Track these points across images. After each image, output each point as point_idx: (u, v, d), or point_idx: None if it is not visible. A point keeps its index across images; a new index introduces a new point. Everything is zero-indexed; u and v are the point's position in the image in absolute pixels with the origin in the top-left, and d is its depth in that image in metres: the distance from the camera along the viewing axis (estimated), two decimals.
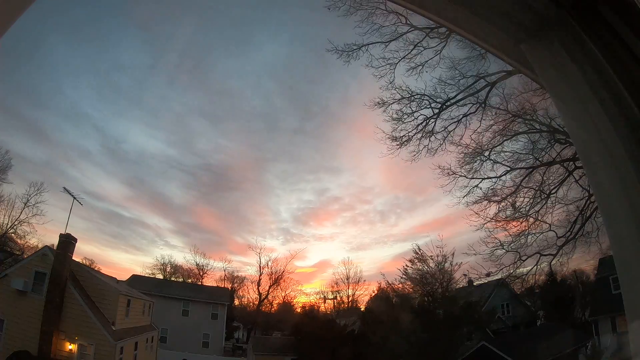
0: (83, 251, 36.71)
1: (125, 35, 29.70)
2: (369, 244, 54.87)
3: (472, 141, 17.18)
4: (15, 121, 28.95)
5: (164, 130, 36.57)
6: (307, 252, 51.65)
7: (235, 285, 47.85)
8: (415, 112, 16.98)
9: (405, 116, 16.99)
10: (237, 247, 50.82)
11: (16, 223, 29.41)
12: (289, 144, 38.37)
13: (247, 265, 58.60)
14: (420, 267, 26.05)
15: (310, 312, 37.87)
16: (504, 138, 17.08)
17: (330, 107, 34.28)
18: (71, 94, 31.67)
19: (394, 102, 16.91)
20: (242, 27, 29.47)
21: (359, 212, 45.36)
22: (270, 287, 44.69)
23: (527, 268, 17.65)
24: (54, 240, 21.61)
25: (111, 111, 33.99)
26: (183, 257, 59.68)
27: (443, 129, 17.09)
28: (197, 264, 46.36)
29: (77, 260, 21.61)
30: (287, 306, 46.73)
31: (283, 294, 46.00)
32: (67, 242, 18.80)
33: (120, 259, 52.73)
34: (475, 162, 17.37)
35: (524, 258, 17.02)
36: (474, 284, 27.26)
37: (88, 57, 30.78)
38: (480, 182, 17.46)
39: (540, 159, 16.93)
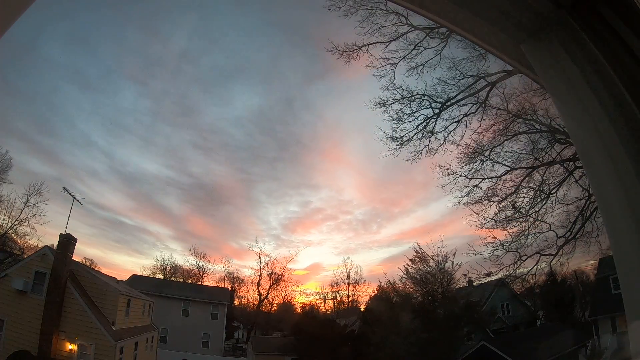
0: (88, 254, 39.25)
1: (125, 87, 37.58)
2: (355, 248, 59.32)
3: (473, 141, 17.22)
4: (32, 147, 34.65)
5: (163, 157, 44.21)
6: (298, 255, 54.66)
7: (235, 285, 48.04)
8: (416, 112, 17.02)
9: (406, 116, 17.03)
10: (232, 252, 55.37)
11: (16, 223, 29.46)
12: (271, 168, 45.85)
13: (243, 268, 59.41)
14: (421, 267, 26.06)
15: (310, 312, 37.89)
16: (504, 138, 17.09)
17: (302, 141, 42.66)
18: (83, 128, 38.34)
19: (394, 102, 16.95)
20: (223, 82, 38.68)
21: (341, 220, 50.10)
22: (270, 287, 44.90)
23: (527, 268, 17.67)
24: (54, 241, 21.71)
25: (117, 142, 40.62)
26: (183, 257, 60.16)
27: (443, 129, 17.13)
28: (197, 265, 46.67)
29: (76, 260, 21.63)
30: (287, 306, 46.81)
31: (283, 294, 46.16)
32: (67, 242, 18.77)
33: (124, 262, 58.06)
34: (476, 162, 17.40)
35: (524, 258, 17.03)
36: (474, 284, 27.23)
37: (96, 102, 37.65)
38: (480, 182, 17.48)
39: (540, 159, 16.94)
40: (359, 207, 47.96)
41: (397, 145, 17.19)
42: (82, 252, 38.10)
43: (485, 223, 17.07)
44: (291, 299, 46.86)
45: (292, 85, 38.38)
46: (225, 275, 47.83)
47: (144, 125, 39.87)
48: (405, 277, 26.78)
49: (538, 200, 16.75)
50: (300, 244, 56.69)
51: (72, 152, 39.01)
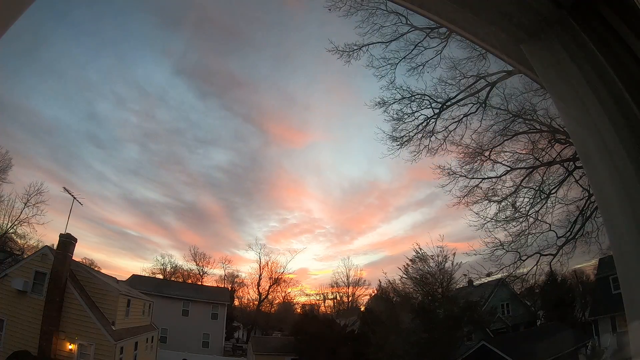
0: (94, 257, 43.52)
1: (128, 147, 49.63)
2: (334, 255, 67.73)
3: (473, 141, 17.18)
4: (52, 177, 43.27)
5: (161, 189, 57.87)
6: (285, 261, 59.23)
7: (235, 285, 48.22)
8: (416, 112, 16.95)
9: (406, 116, 16.99)
10: (226, 259, 59.73)
11: (16, 223, 29.50)
12: (248, 200, 59.13)
13: (239, 272, 62.87)
14: (421, 267, 26.05)
15: (310, 312, 37.93)
16: (504, 138, 17.05)
17: (270, 181, 56.62)
18: (97, 168, 50.40)
19: (394, 102, 16.90)
20: (202, 147, 53.08)
21: (316, 233, 59.10)
22: (270, 287, 45.08)
23: (527, 268, 17.63)
24: (54, 241, 21.79)
25: (125, 179, 53.64)
26: (183, 256, 61.33)
27: (443, 128, 17.07)
28: (197, 265, 46.99)
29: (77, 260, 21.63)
30: (287, 306, 46.95)
31: (282, 294, 46.32)
32: (67, 242, 18.77)
33: (127, 265, 68.90)
34: (476, 162, 17.38)
35: (524, 258, 16.99)
36: (474, 284, 27.21)
37: (107, 154, 49.86)
38: (480, 182, 17.46)
39: (540, 159, 16.91)
40: (328, 222, 58.50)
41: (397, 145, 17.19)
42: (88, 255, 42.31)
43: (485, 223, 17.07)
44: (291, 299, 47.07)
45: (253, 149, 54.64)
46: (225, 275, 48.19)
47: (146, 169, 54.20)
48: (405, 277, 26.81)
49: (538, 200, 16.74)
50: (286, 252, 65.83)
51: (88, 183, 47.67)
